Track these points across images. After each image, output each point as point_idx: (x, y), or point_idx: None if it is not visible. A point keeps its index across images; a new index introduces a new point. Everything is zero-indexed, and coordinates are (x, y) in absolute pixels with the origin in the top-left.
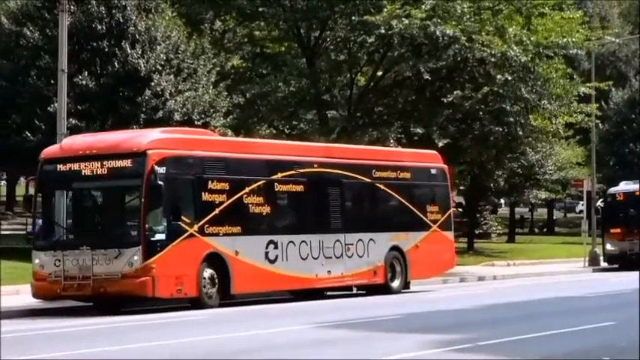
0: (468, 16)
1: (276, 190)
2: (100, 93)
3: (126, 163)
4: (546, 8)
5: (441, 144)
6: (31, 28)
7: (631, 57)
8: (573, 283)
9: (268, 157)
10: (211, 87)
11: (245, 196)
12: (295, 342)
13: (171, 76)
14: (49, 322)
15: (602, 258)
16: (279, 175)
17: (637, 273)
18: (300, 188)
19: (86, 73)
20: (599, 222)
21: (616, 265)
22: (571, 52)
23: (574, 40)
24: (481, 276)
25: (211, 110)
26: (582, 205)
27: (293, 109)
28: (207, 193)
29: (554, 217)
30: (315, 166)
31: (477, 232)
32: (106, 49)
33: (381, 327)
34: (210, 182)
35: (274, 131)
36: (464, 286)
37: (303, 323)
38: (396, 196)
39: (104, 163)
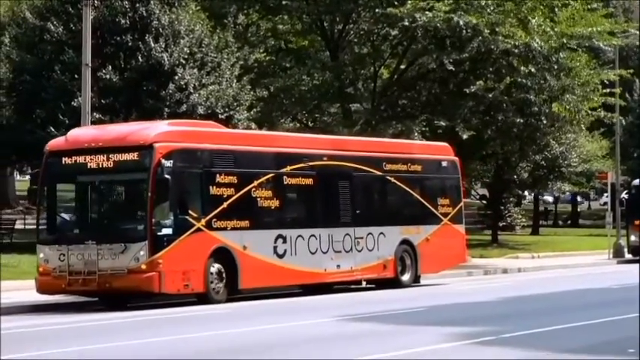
0: (491, 8)
1: (285, 183)
2: (123, 87)
3: (132, 156)
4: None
5: (465, 136)
6: (55, 22)
7: None
8: (597, 275)
9: (277, 150)
10: (235, 81)
11: (253, 189)
12: (319, 336)
13: (195, 70)
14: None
15: (626, 250)
16: (288, 168)
17: None
18: (309, 181)
19: (110, 67)
20: (623, 214)
21: None
22: (595, 43)
23: (598, 29)
24: (505, 268)
25: (235, 104)
26: (606, 197)
27: (316, 102)
28: (214, 187)
29: (579, 210)
30: (325, 159)
31: (500, 224)
32: (130, 44)
33: (407, 320)
34: (217, 176)
35: (298, 124)
36: (488, 278)
37: (321, 317)
38: (407, 189)
39: (110, 156)
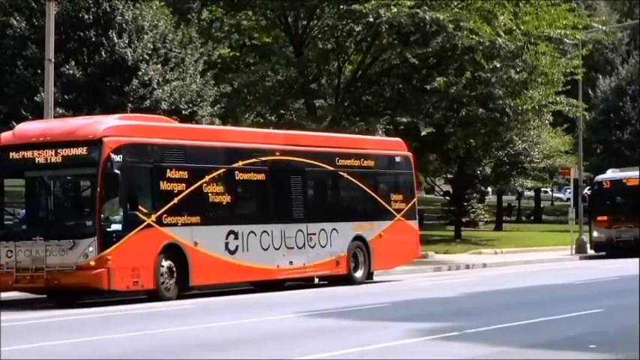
0: (455, 3)
1: (237, 178)
2: (86, 82)
3: (81, 150)
4: None
5: (424, 132)
6: (17, 18)
7: (618, 45)
8: (560, 270)
9: (229, 145)
10: (198, 76)
11: (204, 185)
12: (284, 332)
13: (159, 66)
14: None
15: (588, 246)
16: (240, 163)
17: (624, 260)
18: (261, 177)
19: (73, 62)
20: (586, 210)
21: (603, 253)
22: (560, 40)
23: (562, 25)
24: (468, 264)
25: (198, 99)
26: (569, 192)
27: (280, 98)
28: (165, 182)
29: (542, 205)
30: (277, 153)
31: (464, 220)
32: (93, 39)
33: (370, 316)
34: (168, 171)
35: (262, 120)
36: (451, 274)
37: (282, 313)
38: (360, 184)
39: (58, 150)
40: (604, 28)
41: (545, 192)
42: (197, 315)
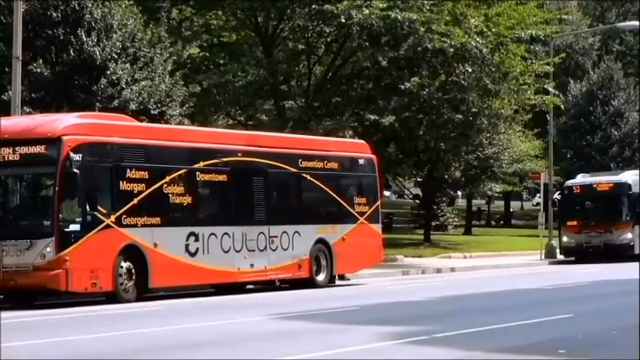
0: (427, 7)
1: (198, 179)
2: (55, 81)
3: (39, 149)
4: None
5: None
6: None
7: (589, 49)
8: (530, 275)
9: (190, 145)
10: (168, 76)
11: (165, 185)
12: (253, 334)
13: (127, 65)
14: None
15: (558, 251)
16: (202, 163)
17: (594, 266)
18: (223, 178)
19: (41, 60)
20: (555, 214)
21: (572, 258)
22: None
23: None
24: (437, 268)
25: (167, 99)
26: (539, 197)
27: (250, 99)
28: (125, 182)
29: (511, 210)
30: (239, 154)
31: (433, 223)
32: (62, 37)
33: (338, 319)
34: (128, 170)
35: (231, 121)
36: (420, 278)
37: (248, 316)
38: (323, 186)
39: (16, 148)
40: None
41: (528, 199)
42: (162, 317)
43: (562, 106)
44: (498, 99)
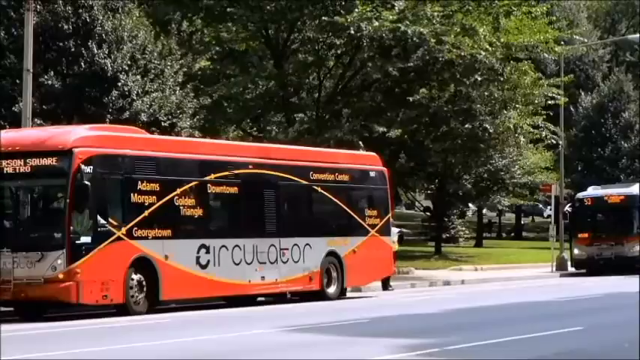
0: (437, 19)
1: (209, 191)
2: (65, 93)
3: (50, 161)
4: (512, 7)
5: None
6: None
7: (599, 62)
8: (541, 288)
9: (201, 157)
10: (178, 88)
11: (176, 197)
12: (267, 346)
13: (138, 77)
14: None
15: (569, 263)
16: (213, 176)
17: (605, 278)
18: (234, 190)
19: (52, 73)
20: (566, 227)
21: (583, 271)
22: (539, 53)
23: (542, 37)
24: (448, 280)
25: (178, 111)
26: (550, 209)
27: (260, 110)
28: (136, 194)
29: (522, 222)
30: (250, 167)
31: (444, 236)
32: (73, 49)
33: (351, 331)
34: (139, 183)
35: (241, 133)
36: (431, 290)
37: (261, 328)
38: (334, 199)
39: (27, 160)
40: (587, 42)
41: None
42: (173, 329)
43: (560, 143)
44: (504, 117)
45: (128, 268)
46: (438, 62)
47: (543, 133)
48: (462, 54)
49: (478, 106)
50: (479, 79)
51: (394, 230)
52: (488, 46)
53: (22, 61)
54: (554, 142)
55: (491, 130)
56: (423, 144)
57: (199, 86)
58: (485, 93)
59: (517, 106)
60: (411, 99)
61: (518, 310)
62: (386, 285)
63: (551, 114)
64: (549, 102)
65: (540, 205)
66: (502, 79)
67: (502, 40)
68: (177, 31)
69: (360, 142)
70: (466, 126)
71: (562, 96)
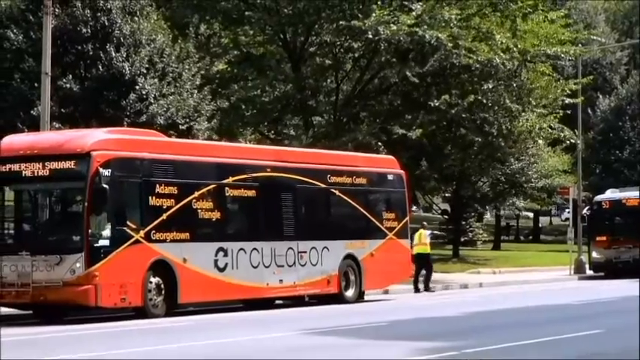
0: (455, 22)
1: (227, 194)
2: (83, 96)
3: (68, 164)
4: (528, 9)
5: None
6: (14, 30)
7: (617, 65)
8: (559, 291)
9: (219, 161)
10: (195, 91)
11: (194, 200)
12: (288, 349)
13: (156, 80)
14: None
15: (587, 266)
16: (230, 179)
17: (623, 281)
18: (251, 193)
19: (70, 76)
20: (585, 230)
21: (602, 274)
22: (557, 56)
23: (560, 39)
24: (466, 283)
25: (195, 114)
26: (568, 212)
27: (278, 114)
28: (154, 198)
29: (540, 225)
30: (268, 170)
31: (462, 239)
32: (91, 53)
33: (370, 334)
34: (157, 186)
35: (259, 136)
36: (449, 293)
37: (280, 331)
38: (352, 202)
39: (46, 164)
40: (605, 44)
41: (557, 214)
42: (192, 332)
43: (578, 143)
44: (521, 120)
45: (146, 271)
46: (454, 67)
47: (562, 134)
48: (479, 59)
49: (491, 116)
50: (490, 86)
51: (426, 232)
52: (502, 53)
53: (40, 65)
54: (573, 141)
55: (506, 135)
56: (441, 149)
57: (217, 89)
58: (500, 101)
59: (534, 109)
60: (431, 104)
61: (537, 313)
62: (427, 286)
63: (569, 112)
64: (566, 102)
65: (553, 210)
66: (518, 82)
67: (519, 45)
68: (194, 34)
69: (380, 143)
70: (478, 139)
71: (580, 98)
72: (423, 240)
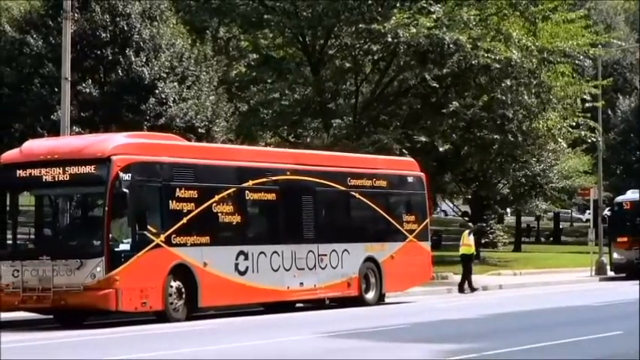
0: (474, 23)
1: (247, 198)
2: (103, 101)
3: (89, 169)
4: (549, 12)
5: (442, 149)
6: (34, 35)
7: (637, 65)
8: (580, 292)
9: (239, 164)
10: (214, 94)
11: (214, 204)
12: (310, 352)
13: (175, 84)
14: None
15: (608, 267)
16: (250, 182)
17: None
18: (271, 196)
19: (90, 81)
20: (605, 231)
21: (623, 275)
22: (576, 56)
23: (579, 42)
24: (487, 285)
25: (214, 117)
26: (589, 213)
27: (297, 117)
28: (174, 202)
29: (561, 226)
30: (288, 173)
31: (482, 241)
32: (110, 57)
33: (391, 336)
34: (177, 190)
35: (278, 139)
36: (469, 295)
37: (302, 334)
38: (372, 204)
39: (66, 168)
40: (625, 45)
41: (566, 213)
42: (214, 336)
43: (599, 141)
44: (541, 119)
45: (167, 276)
46: (473, 68)
47: (582, 133)
48: (497, 58)
49: (511, 113)
50: (509, 83)
51: (467, 233)
52: (520, 51)
53: (60, 70)
54: (594, 139)
55: (520, 139)
56: (460, 152)
57: (236, 93)
58: (519, 97)
59: (555, 106)
60: (451, 106)
61: (558, 315)
62: (472, 286)
63: (589, 116)
64: (586, 104)
65: (572, 212)
66: (536, 81)
67: (538, 43)
68: (213, 37)
69: (405, 150)
70: (496, 136)
71: (600, 98)
72: (465, 241)
